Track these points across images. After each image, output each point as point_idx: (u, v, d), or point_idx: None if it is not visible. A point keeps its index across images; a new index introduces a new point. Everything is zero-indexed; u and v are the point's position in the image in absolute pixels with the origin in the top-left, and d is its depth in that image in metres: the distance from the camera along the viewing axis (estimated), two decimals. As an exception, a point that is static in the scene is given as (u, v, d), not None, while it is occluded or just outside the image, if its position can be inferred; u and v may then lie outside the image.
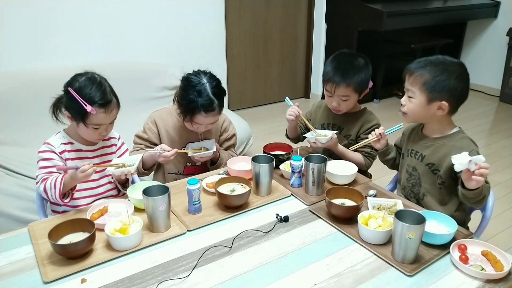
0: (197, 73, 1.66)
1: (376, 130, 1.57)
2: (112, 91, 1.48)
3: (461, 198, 1.34)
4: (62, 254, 1.15)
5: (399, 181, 1.65)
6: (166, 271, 1.12)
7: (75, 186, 1.44)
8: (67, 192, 1.44)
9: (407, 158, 1.56)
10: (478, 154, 1.26)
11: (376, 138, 1.56)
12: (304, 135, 1.77)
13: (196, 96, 1.59)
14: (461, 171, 1.21)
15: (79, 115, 1.42)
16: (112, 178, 1.59)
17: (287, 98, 1.81)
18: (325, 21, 4.32)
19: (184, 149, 1.77)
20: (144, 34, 3.25)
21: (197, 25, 3.49)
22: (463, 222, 1.49)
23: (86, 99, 1.39)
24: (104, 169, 1.53)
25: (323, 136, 1.69)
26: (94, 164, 1.40)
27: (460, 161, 1.17)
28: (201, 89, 1.60)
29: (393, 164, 1.67)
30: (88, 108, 1.38)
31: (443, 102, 1.37)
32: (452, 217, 1.29)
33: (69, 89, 1.41)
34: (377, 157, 1.69)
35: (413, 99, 1.41)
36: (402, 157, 1.60)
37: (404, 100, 1.46)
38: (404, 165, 1.57)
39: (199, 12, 3.48)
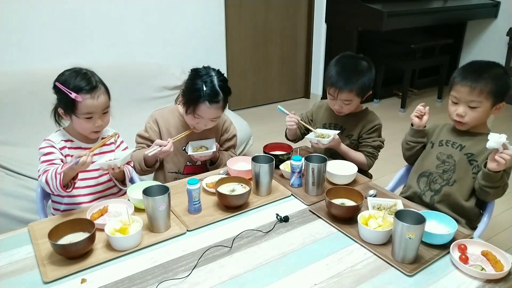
0: (207, 67, 1.70)
1: (420, 106, 1.62)
2: (100, 80, 1.49)
3: (478, 180, 1.45)
4: (62, 254, 1.15)
5: (416, 170, 1.67)
6: (166, 271, 1.12)
7: (77, 176, 1.44)
8: (70, 182, 1.43)
9: (438, 148, 1.61)
10: None
11: (420, 114, 1.62)
12: (306, 136, 1.77)
13: (202, 85, 1.61)
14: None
15: (69, 107, 1.43)
16: (109, 175, 1.59)
17: (279, 106, 1.81)
18: (325, 21, 4.32)
19: (183, 148, 1.77)
20: (144, 34, 3.25)
21: (197, 25, 3.49)
22: (477, 217, 1.57)
23: (71, 88, 1.40)
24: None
25: (326, 136, 1.69)
26: (90, 150, 1.39)
27: (496, 139, 1.27)
28: (208, 80, 1.63)
29: (416, 152, 1.68)
30: (73, 95, 1.39)
31: (503, 102, 1.49)
32: (471, 209, 1.51)
33: (56, 83, 1.43)
34: (412, 136, 1.67)
35: (478, 109, 1.47)
36: (431, 146, 1.63)
37: (463, 111, 1.49)
38: (434, 153, 1.61)
39: (199, 12, 3.48)
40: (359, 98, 1.74)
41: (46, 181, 1.40)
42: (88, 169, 1.51)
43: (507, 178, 1.45)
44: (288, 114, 1.80)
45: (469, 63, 1.54)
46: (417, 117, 1.63)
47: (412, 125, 1.66)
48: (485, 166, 1.40)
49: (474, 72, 1.47)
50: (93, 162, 1.43)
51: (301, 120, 1.84)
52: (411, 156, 1.71)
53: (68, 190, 1.42)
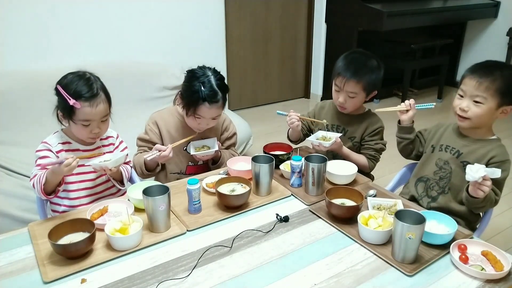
0: (202, 67, 1.69)
1: (406, 101, 1.60)
2: (102, 87, 1.47)
3: (463, 199, 1.43)
4: (62, 254, 1.15)
5: (415, 174, 1.66)
6: (166, 271, 1.12)
7: (61, 182, 1.42)
8: (55, 189, 1.42)
9: (438, 153, 1.59)
10: (510, 167, 1.34)
11: (405, 109, 1.59)
12: (308, 139, 1.77)
13: (200, 87, 1.61)
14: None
15: (67, 112, 1.42)
16: (106, 176, 1.59)
17: (278, 111, 1.80)
18: (325, 21, 4.32)
19: (185, 148, 1.77)
20: (144, 34, 3.25)
21: (197, 25, 3.49)
22: (475, 221, 1.56)
23: (71, 93, 1.38)
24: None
25: (328, 138, 1.69)
26: (77, 157, 1.35)
27: (473, 173, 1.24)
28: (205, 81, 1.62)
29: (405, 147, 1.67)
30: (71, 101, 1.37)
31: (510, 106, 1.42)
32: (466, 213, 1.49)
33: (57, 86, 1.42)
34: (398, 133, 1.67)
35: (482, 105, 1.42)
36: (432, 150, 1.61)
37: (467, 105, 1.44)
38: (433, 159, 1.59)
39: (199, 12, 3.48)
40: (364, 93, 1.73)
41: (33, 185, 1.40)
42: (83, 170, 1.52)
43: (499, 191, 1.43)
44: (287, 114, 1.79)
45: (485, 61, 1.49)
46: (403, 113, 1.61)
47: (399, 122, 1.66)
48: (467, 189, 1.37)
49: (486, 67, 1.43)
50: (82, 165, 1.42)
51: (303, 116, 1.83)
52: (402, 151, 1.71)
53: (50, 197, 1.42)
